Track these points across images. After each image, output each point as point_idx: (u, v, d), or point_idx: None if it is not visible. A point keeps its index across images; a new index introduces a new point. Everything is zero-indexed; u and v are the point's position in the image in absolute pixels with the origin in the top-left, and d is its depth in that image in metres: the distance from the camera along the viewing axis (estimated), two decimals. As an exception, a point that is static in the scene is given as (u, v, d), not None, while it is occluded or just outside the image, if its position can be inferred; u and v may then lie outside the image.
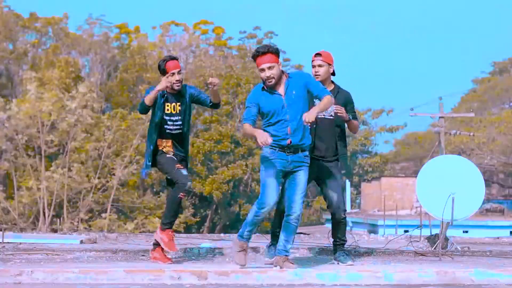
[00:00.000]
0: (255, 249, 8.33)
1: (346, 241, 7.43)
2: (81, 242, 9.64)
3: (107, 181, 33.07)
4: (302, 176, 6.69)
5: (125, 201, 33.59)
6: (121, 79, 39.99)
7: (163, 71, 7.07)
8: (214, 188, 35.83)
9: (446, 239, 8.86)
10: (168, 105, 7.12)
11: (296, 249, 8.46)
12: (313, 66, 7.34)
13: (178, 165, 7.13)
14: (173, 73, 7.05)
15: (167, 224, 7.16)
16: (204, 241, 10.10)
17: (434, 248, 8.54)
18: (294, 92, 6.66)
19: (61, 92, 33.31)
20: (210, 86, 7.19)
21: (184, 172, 7.10)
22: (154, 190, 36.28)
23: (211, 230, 36.55)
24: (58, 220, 31.48)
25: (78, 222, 31.98)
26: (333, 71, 7.42)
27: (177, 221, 34.09)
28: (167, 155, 7.16)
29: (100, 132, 33.56)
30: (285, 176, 6.72)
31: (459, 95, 53.50)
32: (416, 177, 8.59)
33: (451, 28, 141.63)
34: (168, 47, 45.17)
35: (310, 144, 6.78)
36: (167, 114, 7.11)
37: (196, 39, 46.52)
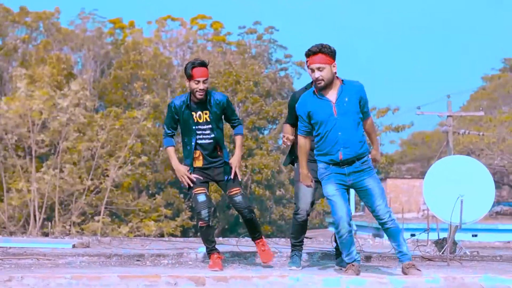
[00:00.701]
0: (255, 254, 8.33)
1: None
2: (74, 246, 9.64)
3: (101, 183, 33.08)
4: (370, 182, 6.65)
5: (119, 203, 33.61)
6: (115, 76, 40.01)
7: (189, 76, 6.99)
8: (212, 190, 35.84)
9: (455, 243, 8.86)
10: (194, 114, 7.08)
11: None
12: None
13: (197, 189, 7.12)
14: (198, 81, 6.96)
15: (207, 250, 7.30)
16: (202, 245, 10.09)
17: (442, 253, 8.55)
18: (346, 99, 6.55)
19: (52, 90, 33.33)
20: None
21: (201, 198, 7.09)
22: (150, 192, 36.30)
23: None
24: (50, 223, 31.48)
25: (70, 225, 31.99)
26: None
27: (173, 225, 34.40)
28: (193, 175, 7.16)
29: (93, 131, 33.58)
30: (351, 187, 6.71)
31: (468, 93, 53.52)
32: (423, 178, 8.59)
33: (460, 24, 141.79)
34: (164, 42, 45.25)
35: (367, 151, 6.69)
36: (195, 124, 7.09)
37: (194, 34, 46.59)
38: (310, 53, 6.59)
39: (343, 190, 6.67)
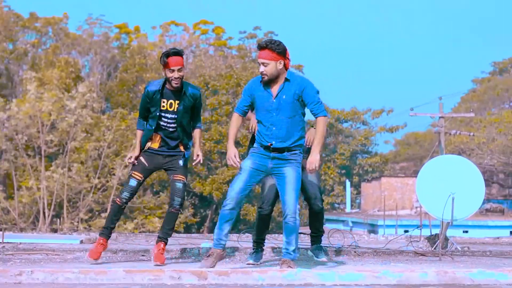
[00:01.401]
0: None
1: (323, 232, 7.36)
2: (81, 242, 9.62)
3: (107, 181, 33.09)
4: (290, 173, 6.48)
5: (125, 201, 33.59)
6: (121, 79, 40.02)
7: (164, 64, 6.86)
8: (214, 188, 35.84)
9: (446, 239, 8.85)
10: (164, 101, 6.95)
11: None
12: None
13: (135, 173, 7.03)
14: (173, 70, 6.84)
15: (102, 230, 7.12)
16: (204, 241, 10.09)
17: (434, 248, 8.53)
18: (284, 97, 6.50)
19: (61, 92, 33.33)
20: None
21: (132, 182, 7.00)
22: (154, 190, 36.31)
23: (211, 230, 36.55)
24: (58, 220, 31.49)
25: (78, 222, 32.01)
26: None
27: (177, 221, 34.38)
28: (140, 157, 7.05)
29: (100, 132, 33.58)
30: (271, 173, 6.57)
31: (459, 95, 53.64)
32: (416, 177, 8.58)
33: (451, 28, 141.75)
34: (168, 47, 45.21)
35: (300, 143, 6.55)
36: (162, 111, 6.97)
37: (196, 39, 46.59)
38: (258, 48, 6.57)
39: (258, 172, 6.54)
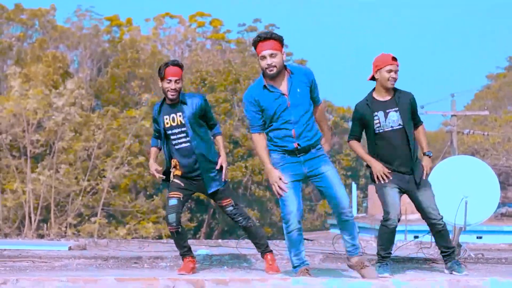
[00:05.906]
0: (255, 256, 8.34)
1: (451, 248, 7.25)
2: (70, 248, 9.62)
3: (97, 184, 33.10)
4: (327, 169, 6.51)
5: (116, 205, 33.62)
6: (112, 74, 40.03)
7: (162, 76, 6.95)
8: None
9: (459, 245, 8.85)
10: (166, 118, 7.00)
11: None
12: (390, 71, 7.07)
13: (172, 193, 7.03)
14: (170, 81, 6.91)
15: (180, 254, 7.25)
16: (201, 247, 10.09)
17: (446, 255, 8.53)
18: (298, 90, 6.44)
19: (47, 89, 33.34)
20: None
21: (172, 202, 6.99)
22: (147, 193, 36.32)
23: (208, 236, 36.60)
24: (45, 225, 31.49)
25: (66, 227, 32.02)
26: None
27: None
28: (174, 179, 7.08)
29: (90, 131, 33.59)
30: (308, 177, 6.56)
31: (473, 92, 53.56)
32: (426, 179, 8.57)
33: (464, 21, 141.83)
34: (162, 40, 45.30)
35: (320, 137, 6.60)
36: (167, 128, 7.01)
37: (192, 32, 46.62)
38: (260, 39, 6.41)
39: (297, 183, 6.55)
